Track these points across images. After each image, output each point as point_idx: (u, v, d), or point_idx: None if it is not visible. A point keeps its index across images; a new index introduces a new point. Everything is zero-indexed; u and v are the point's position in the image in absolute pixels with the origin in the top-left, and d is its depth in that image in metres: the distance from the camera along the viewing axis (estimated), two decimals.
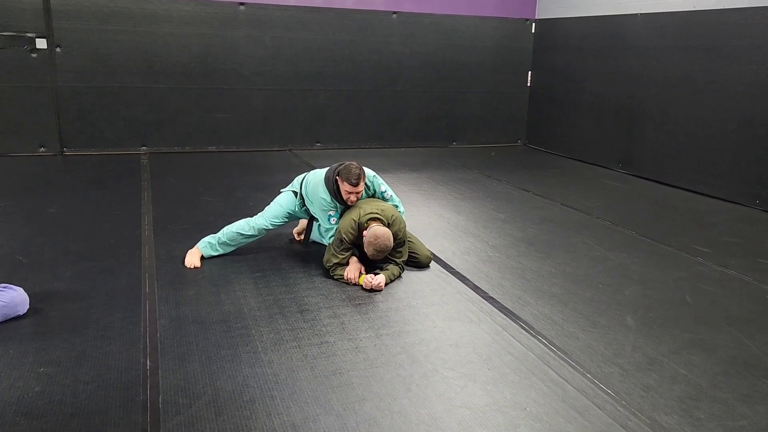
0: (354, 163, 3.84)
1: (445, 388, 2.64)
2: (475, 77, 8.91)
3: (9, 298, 3.05)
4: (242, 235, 4.03)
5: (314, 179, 3.98)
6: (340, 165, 3.88)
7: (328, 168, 3.99)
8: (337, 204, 3.89)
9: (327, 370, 2.75)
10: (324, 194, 3.86)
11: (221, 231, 4.06)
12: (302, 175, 4.16)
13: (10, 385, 2.53)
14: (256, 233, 4.05)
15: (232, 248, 4.08)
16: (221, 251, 4.04)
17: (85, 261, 3.92)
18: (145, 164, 6.88)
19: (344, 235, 3.69)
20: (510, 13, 8.88)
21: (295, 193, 4.09)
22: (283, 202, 4.09)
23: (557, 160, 8.27)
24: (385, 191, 4.08)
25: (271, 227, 4.07)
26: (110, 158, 7.14)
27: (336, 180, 3.82)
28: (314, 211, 4.00)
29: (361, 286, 3.66)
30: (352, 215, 3.73)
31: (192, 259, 3.93)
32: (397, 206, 4.08)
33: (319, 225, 4.32)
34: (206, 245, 4.02)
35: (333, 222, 3.89)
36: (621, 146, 7.53)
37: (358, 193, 3.81)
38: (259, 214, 4.10)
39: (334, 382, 2.65)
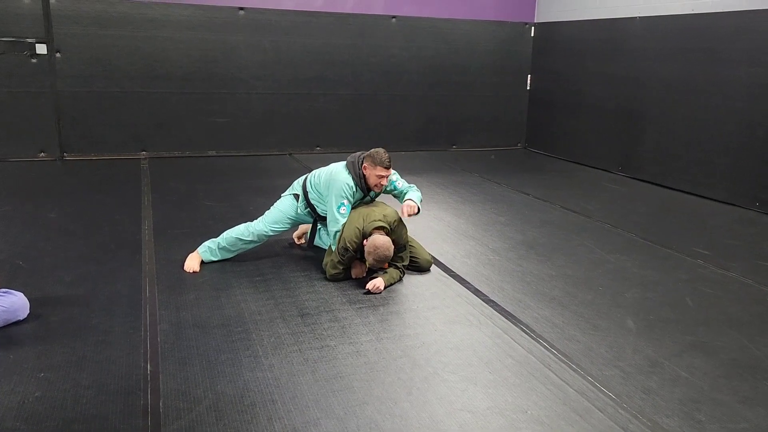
0: (380, 148, 3.87)
1: (446, 392, 2.64)
2: (475, 81, 8.92)
3: (9, 303, 3.05)
4: (242, 240, 4.02)
5: (331, 169, 3.94)
6: (362, 153, 3.89)
7: (344, 161, 3.99)
8: (358, 191, 3.87)
9: (328, 373, 2.75)
10: (348, 179, 3.82)
11: (221, 236, 4.05)
12: (302, 177, 4.14)
13: (11, 390, 2.53)
14: (256, 239, 4.03)
15: (232, 254, 4.06)
16: (221, 256, 4.03)
17: (86, 265, 3.92)
18: (145, 169, 6.89)
19: (348, 244, 3.68)
20: (509, 17, 8.90)
21: (296, 196, 4.07)
22: (283, 208, 4.07)
23: (557, 163, 8.28)
24: (396, 180, 4.04)
25: (271, 233, 4.05)
26: (110, 163, 7.15)
27: (362, 167, 3.82)
28: (325, 202, 3.91)
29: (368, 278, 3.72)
30: (356, 224, 3.72)
31: (191, 263, 3.93)
32: (408, 191, 4.03)
33: (320, 228, 4.31)
34: (206, 250, 4.01)
35: (343, 212, 3.79)
36: (621, 149, 7.54)
37: (388, 177, 3.87)
38: (258, 219, 4.08)
39: (334, 386, 2.65)
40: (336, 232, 3.80)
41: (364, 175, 3.84)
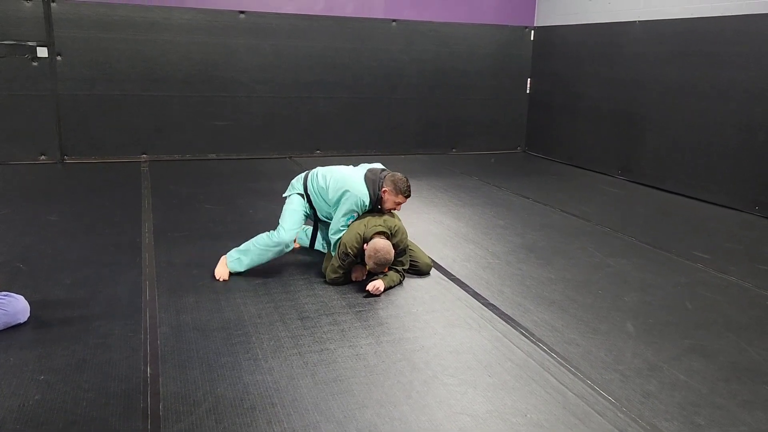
0: (402, 175, 3.87)
1: (446, 395, 2.64)
2: (475, 84, 8.94)
3: (10, 306, 3.05)
4: (270, 252, 3.82)
5: (345, 177, 3.83)
6: (384, 171, 3.87)
7: (361, 169, 3.91)
8: (369, 206, 3.84)
9: (327, 377, 2.75)
10: (365, 196, 3.77)
11: (247, 250, 3.85)
12: (300, 176, 4.06)
13: (11, 393, 2.53)
14: (285, 249, 3.85)
15: (258, 264, 3.90)
16: (246, 268, 3.87)
17: (86, 268, 3.93)
18: (146, 172, 6.90)
19: (349, 249, 3.68)
20: (509, 21, 8.92)
21: (301, 195, 3.98)
22: (296, 207, 3.93)
23: (557, 167, 8.28)
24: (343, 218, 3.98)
25: (294, 236, 3.89)
26: (111, 166, 7.16)
27: (381, 189, 3.81)
28: (330, 206, 3.87)
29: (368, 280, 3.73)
30: (357, 229, 3.72)
31: (222, 271, 3.83)
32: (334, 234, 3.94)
33: (320, 230, 4.29)
34: (234, 261, 3.86)
35: (350, 224, 3.78)
36: (620, 153, 7.55)
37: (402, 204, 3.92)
38: (278, 229, 3.87)
39: (334, 389, 2.65)
40: (337, 240, 3.80)
41: (380, 197, 3.83)
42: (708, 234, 5.26)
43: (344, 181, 3.82)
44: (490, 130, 9.22)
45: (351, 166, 4.03)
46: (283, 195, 4.12)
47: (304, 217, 3.99)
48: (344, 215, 3.78)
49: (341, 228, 3.79)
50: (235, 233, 4.59)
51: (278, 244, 3.84)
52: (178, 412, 2.45)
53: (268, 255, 3.88)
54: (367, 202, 3.79)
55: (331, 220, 3.94)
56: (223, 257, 3.93)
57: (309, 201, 3.97)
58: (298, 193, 4.00)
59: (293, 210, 3.94)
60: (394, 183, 3.82)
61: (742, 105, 5.98)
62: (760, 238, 5.17)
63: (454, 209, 5.78)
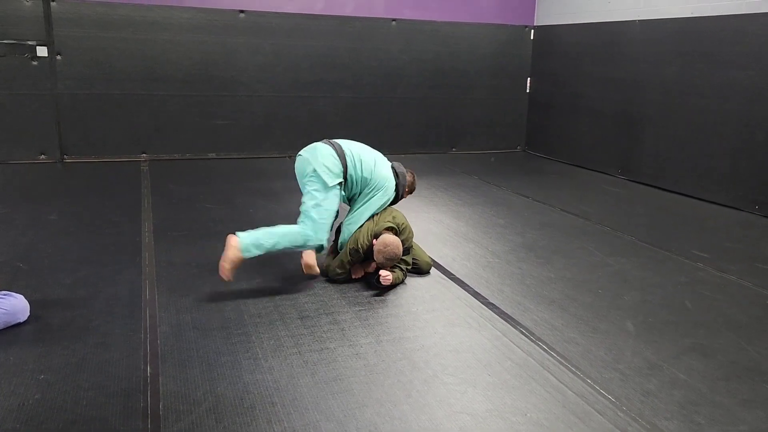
0: (413, 174, 4.24)
1: (446, 394, 2.64)
2: (475, 84, 8.94)
3: (9, 306, 3.05)
4: (298, 249, 3.70)
5: (383, 172, 3.93)
6: (405, 174, 4.08)
7: (387, 163, 4.04)
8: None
9: (327, 376, 2.76)
10: (391, 198, 3.96)
11: (273, 246, 3.58)
12: (331, 154, 3.78)
13: (11, 392, 2.53)
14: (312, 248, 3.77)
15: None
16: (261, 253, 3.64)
17: (86, 268, 3.93)
18: (146, 171, 6.90)
19: (360, 246, 3.71)
20: (509, 20, 8.91)
21: (341, 184, 3.78)
22: (335, 207, 3.75)
23: (556, 166, 8.28)
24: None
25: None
26: (110, 165, 7.16)
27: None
28: (360, 196, 3.88)
29: (373, 275, 3.79)
30: (369, 225, 3.77)
31: (228, 269, 3.55)
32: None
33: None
34: (249, 246, 3.54)
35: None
36: (620, 152, 7.55)
37: None
38: (316, 231, 3.64)
39: (334, 389, 2.66)
40: (352, 231, 3.81)
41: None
42: (708, 233, 5.26)
43: (383, 180, 3.91)
44: (490, 130, 9.21)
45: (376, 154, 4.05)
46: (330, 183, 3.69)
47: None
48: (372, 212, 3.85)
49: (363, 220, 3.82)
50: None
51: (314, 247, 3.74)
52: (178, 411, 2.45)
53: (292, 249, 3.68)
54: (388, 204, 3.96)
55: (346, 199, 3.97)
56: (234, 249, 3.50)
57: (346, 183, 3.86)
58: (340, 183, 3.76)
59: (334, 211, 3.75)
60: (411, 185, 4.19)
61: (742, 105, 5.98)
62: (760, 238, 5.17)
63: (454, 208, 5.78)
